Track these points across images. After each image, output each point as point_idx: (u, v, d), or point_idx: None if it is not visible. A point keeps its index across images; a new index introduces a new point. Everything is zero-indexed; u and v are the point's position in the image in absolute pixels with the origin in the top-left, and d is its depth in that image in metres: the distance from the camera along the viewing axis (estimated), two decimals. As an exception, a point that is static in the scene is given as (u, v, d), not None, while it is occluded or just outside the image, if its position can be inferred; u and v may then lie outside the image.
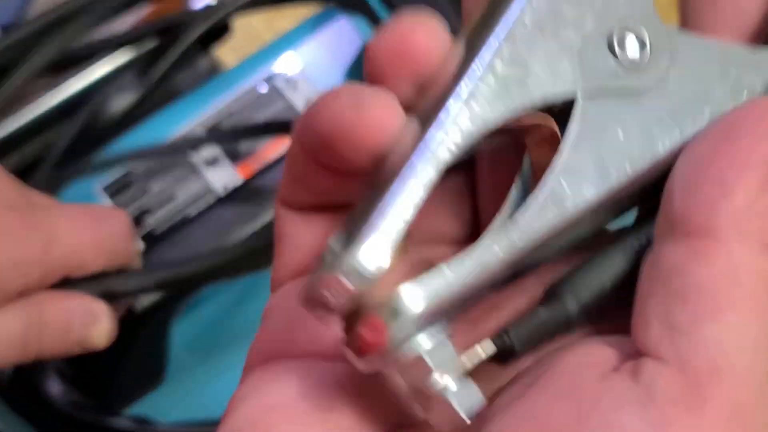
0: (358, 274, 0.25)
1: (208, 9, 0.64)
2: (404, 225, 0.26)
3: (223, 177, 0.62)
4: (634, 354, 0.25)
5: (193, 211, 0.61)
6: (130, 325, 0.52)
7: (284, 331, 0.30)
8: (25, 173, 0.65)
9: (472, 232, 0.32)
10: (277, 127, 0.61)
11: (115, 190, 0.62)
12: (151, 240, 0.60)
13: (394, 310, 0.25)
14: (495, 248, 0.26)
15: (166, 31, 0.63)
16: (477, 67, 0.27)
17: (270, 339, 0.30)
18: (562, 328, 0.27)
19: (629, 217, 0.30)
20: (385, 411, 0.28)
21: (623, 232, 0.29)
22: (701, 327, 0.25)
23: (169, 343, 0.59)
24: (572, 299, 0.27)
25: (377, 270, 0.25)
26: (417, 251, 0.30)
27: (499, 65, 0.27)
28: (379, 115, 0.27)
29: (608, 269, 0.28)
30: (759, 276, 0.25)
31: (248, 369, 0.30)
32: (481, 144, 0.27)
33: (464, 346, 0.26)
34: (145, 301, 0.55)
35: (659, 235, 0.26)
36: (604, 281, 0.28)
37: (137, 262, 0.53)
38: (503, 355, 0.27)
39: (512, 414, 0.26)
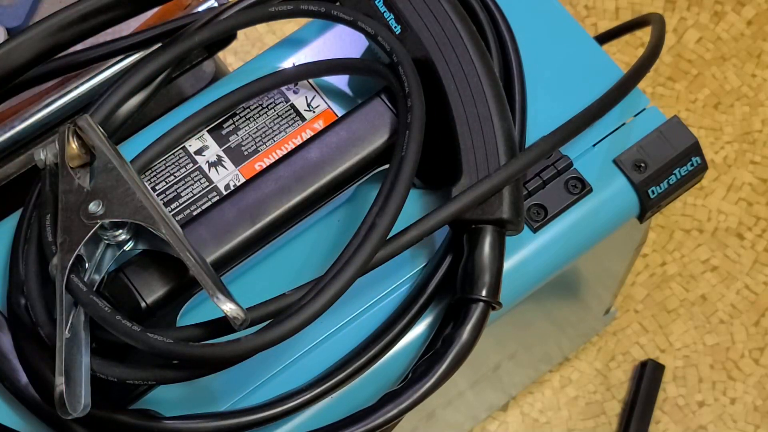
0: None
1: (210, 11, 0.64)
2: None
3: (226, 177, 0.63)
4: None
5: (197, 211, 0.62)
6: (136, 320, 0.53)
7: None
8: (31, 174, 0.66)
9: None
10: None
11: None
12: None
13: None
14: None
15: (170, 34, 0.64)
16: None
17: None
18: None
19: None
20: None
21: None
22: None
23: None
24: None
25: None
26: None
27: None
28: None
29: None
30: None
31: None
32: None
33: None
34: (151, 296, 0.56)
35: None
36: None
37: None
38: None
39: None
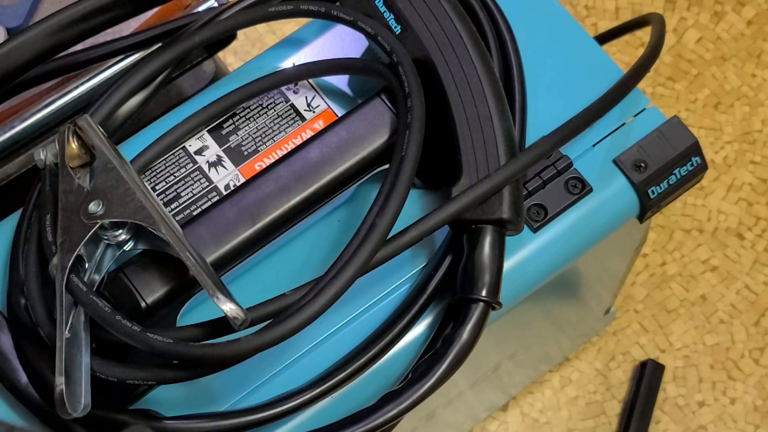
0: None
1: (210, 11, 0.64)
2: None
3: (226, 177, 0.63)
4: None
5: (197, 211, 0.62)
6: (136, 320, 0.53)
7: None
8: (31, 173, 0.66)
9: None
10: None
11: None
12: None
13: None
14: None
15: (170, 34, 0.64)
16: None
17: None
18: None
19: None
20: None
21: None
22: None
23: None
24: None
25: None
26: None
27: None
28: None
29: None
30: None
31: None
32: None
33: None
34: (151, 296, 0.56)
35: None
36: None
37: None
38: None
39: None
